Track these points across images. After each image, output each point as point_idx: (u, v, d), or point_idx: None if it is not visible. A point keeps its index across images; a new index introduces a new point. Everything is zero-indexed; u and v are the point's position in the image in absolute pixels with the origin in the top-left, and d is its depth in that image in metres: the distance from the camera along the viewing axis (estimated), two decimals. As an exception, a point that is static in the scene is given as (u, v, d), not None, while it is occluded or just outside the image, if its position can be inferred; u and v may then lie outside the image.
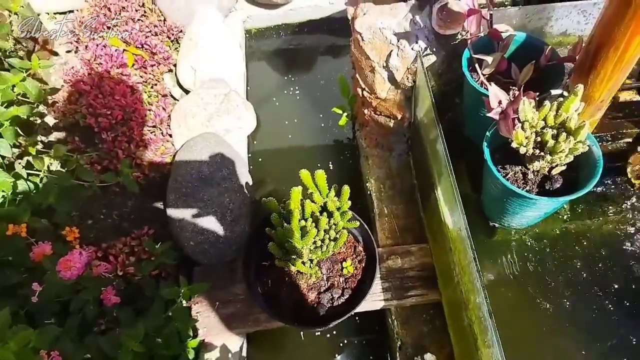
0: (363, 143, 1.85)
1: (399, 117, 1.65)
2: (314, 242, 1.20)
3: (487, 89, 1.21)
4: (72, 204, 1.52)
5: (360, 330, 1.67)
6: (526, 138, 1.15)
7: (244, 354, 1.58)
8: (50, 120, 1.82)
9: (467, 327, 1.17)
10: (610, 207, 1.45)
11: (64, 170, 1.58)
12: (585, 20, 1.46)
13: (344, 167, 2.04)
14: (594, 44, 1.11)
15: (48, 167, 1.58)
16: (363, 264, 1.44)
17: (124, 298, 1.27)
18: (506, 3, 1.69)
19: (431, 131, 1.34)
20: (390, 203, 1.66)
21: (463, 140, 1.53)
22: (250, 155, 2.06)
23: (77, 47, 2.04)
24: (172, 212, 1.54)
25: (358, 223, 1.34)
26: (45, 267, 1.22)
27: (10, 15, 1.80)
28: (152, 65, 2.00)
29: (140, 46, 1.99)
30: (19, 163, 1.62)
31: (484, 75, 1.29)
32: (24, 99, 1.64)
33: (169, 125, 1.89)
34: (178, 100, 2.05)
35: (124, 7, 2.09)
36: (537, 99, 1.16)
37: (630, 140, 1.49)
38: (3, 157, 1.51)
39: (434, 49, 1.46)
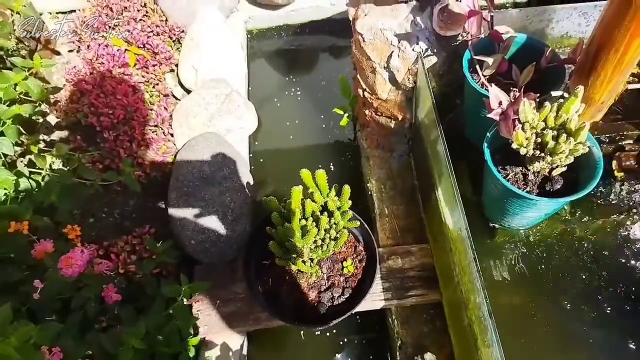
0: (364, 144, 1.85)
1: (400, 117, 1.66)
2: (315, 242, 1.20)
3: (487, 90, 1.21)
4: (73, 202, 1.53)
5: (360, 330, 1.68)
6: (526, 139, 1.15)
7: (245, 352, 1.59)
8: (52, 119, 1.83)
9: (467, 327, 1.17)
10: (610, 207, 1.46)
11: (66, 169, 1.59)
12: (586, 23, 1.46)
13: (345, 168, 2.05)
14: (594, 46, 1.11)
15: (50, 165, 1.59)
16: (363, 264, 1.44)
17: (125, 296, 1.27)
18: (507, 5, 1.69)
19: (432, 132, 1.35)
20: (391, 203, 1.67)
21: (463, 141, 1.53)
22: (251, 155, 2.06)
23: (79, 47, 2.05)
24: (174, 211, 1.54)
25: (358, 223, 1.34)
26: (46, 264, 1.22)
27: (12, 15, 1.80)
28: (153, 65, 2.00)
29: (142, 46, 2.00)
30: (21, 161, 1.62)
31: (484, 76, 1.29)
32: (26, 97, 1.65)
33: (170, 125, 1.90)
34: (179, 100, 2.05)
35: (125, 7, 2.10)
36: (537, 100, 1.16)
37: (631, 142, 1.49)
38: (5, 156, 1.51)
39: (435, 50, 1.46)
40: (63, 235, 1.36)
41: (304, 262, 1.27)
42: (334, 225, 1.22)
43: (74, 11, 2.18)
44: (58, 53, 2.08)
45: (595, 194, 1.47)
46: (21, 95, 1.64)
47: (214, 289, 1.49)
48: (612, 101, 1.28)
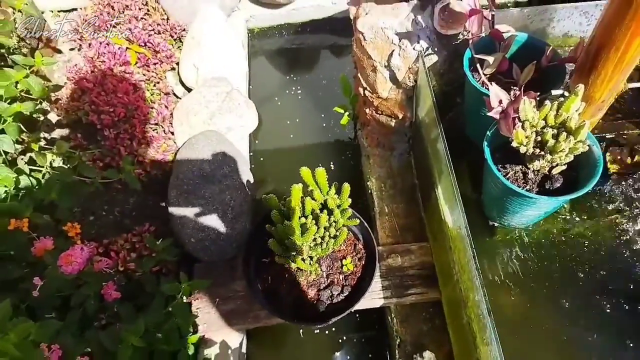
0: (364, 142, 1.85)
1: (400, 116, 1.66)
2: (314, 239, 1.20)
3: (488, 89, 1.21)
4: (74, 200, 1.53)
5: (359, 328, 1.68)
6: (526, 137, 1.15)
7: (244, 350, 1.59)
8: (53, 117, 1.83)
9: (466, 325, 1.17)
10: (610, 207, 1.45)
11: (66, 167, 1.60)
12: (587, 22, 1.46)
13: (345, 166, 2.05)
14: (595, 45, 1.11)
15: (50, 163, 1.59)
16: (363, 262, 1.44)
17: (124, 293, 1.27)
18: (508, 4, 1.69)
19: (432, 131, 1.35)
20: (391, 202, 1.67)
21: (464, 140, 1.53)
22: (251, 153, 2.07)
23: (80, 45, 2.05)
24: (174, 209, 1.54)
25: (358, 221, 1.34)
26: (46, 261, 1.23)
27: (14, 13, 1.81)
28: (154, 64, 2.01)
29: (143, 44, 2.00)
30: (22, 159, 1.63)
31: (485, 75, 1.29)
32: (27, 95, 1.65)
33: (171, 123, 1.90)
34: (180, 98, 2.06)
35: (127, 6, 2.10)
36: (537, 99, 1.16)
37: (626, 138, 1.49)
38: (6, 153, 1.52)
39: (436, 49, 1.46)
40: (63, 233, 1.37)
41: (303, 260, 1.27)
42: (333, 223, 1.22)
43: (76, 9, 2.19)
44: (59, 51, 2.08)
45: (595, 192, 1.47)
46: (22, 93, 1.64)
47: (213, 286, 1.49)
48: (612, 100, 1.27)
